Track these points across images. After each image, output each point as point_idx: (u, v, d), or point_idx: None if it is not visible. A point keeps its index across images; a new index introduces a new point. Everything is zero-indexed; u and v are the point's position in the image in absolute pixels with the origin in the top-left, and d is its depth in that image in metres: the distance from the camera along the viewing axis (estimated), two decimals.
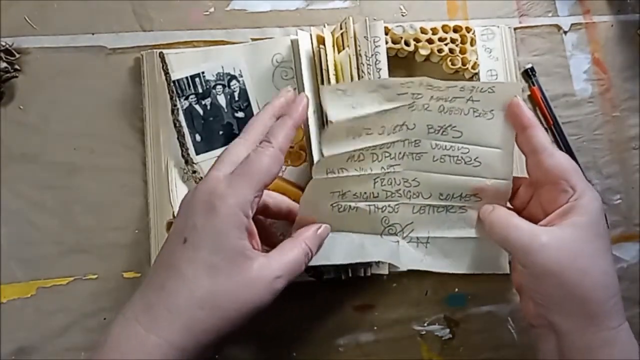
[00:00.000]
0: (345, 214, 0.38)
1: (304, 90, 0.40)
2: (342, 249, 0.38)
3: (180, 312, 0.29)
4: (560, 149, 0.46)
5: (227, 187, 0.31)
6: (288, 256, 0.32)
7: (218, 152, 0.42)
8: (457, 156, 0.38)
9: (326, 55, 0.40)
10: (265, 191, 0.35)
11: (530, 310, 0.35)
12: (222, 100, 0.43)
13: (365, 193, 0.38)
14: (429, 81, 0.37)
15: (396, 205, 0.39)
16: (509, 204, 0.39)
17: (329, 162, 0.37)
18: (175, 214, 0.33)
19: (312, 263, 0.37)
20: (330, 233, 0.38)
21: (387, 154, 0.38)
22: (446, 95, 0.37)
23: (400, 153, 0.38)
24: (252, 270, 0.30)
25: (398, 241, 0.39)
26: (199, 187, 0.32)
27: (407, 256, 0.39)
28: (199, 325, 0.29)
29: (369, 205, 0.38)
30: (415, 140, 0.38)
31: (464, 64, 0.45)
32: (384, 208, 0.38)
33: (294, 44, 0.42)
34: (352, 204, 0.38)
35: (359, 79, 0.40)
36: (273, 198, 0.37)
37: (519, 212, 0.38)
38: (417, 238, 0.39)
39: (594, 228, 0.33)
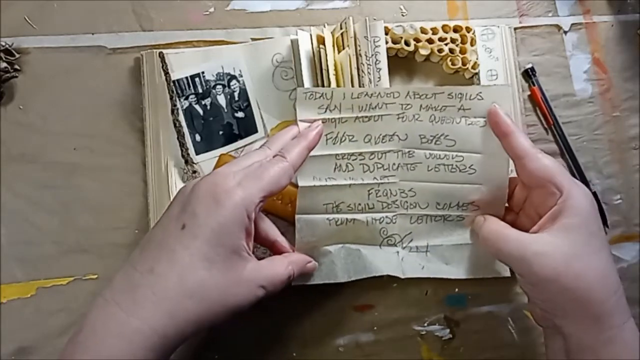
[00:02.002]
0: (342, 226, 0.38)
1: None
2: (344, 266, 0.38)
3: (167, 297, 0.28)
4: (561, 149, 0.46)
5: (236, 185, 0.31)
6: (275, 271, 0.33)
7: (218, 152, 0.42)
8: (452, 164, 0.38)
9: (326, 55, 0.40)
10: (260, 213, 0.35)
11: (537, 312, 0.35)
12: (222, 100, 0.43)
13: (360, 204, 0.38)
14: (415, 89, 0.38)
15: (394, 216, 0.39)
16: (506, 204, 0.39)
17: (314, 168, 0.37)
18: (171, 199, 0.33)
19: (317, 282, 0.38)
20: (329, 247, 0.38)
21: (379, 165, 0.38)
22: (436, 104, 0.38)
23: (394, 164, 0.38)
24: (244, 271, 0.31)
25: (398, 251, 0.39)
26: (206, 178, 0.32)
27: (408, 265, 0.39)
28: (183, 314, 0.29)
29: (366, 217, 0.38)
30: (409, 151, 0.38)
31: (464, 63, 0.45)
32: (382, 219, 0.39)
33: (294, 44, 0.42)
34: (349, 217, 0.38)
35: (359, 79, 0.40)
36: (266, 223, 0.37)
37: (516, 212, 0.39)
38: (417, 247, 0.40)
39: (586, 228, 0.32)
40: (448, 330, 0.42)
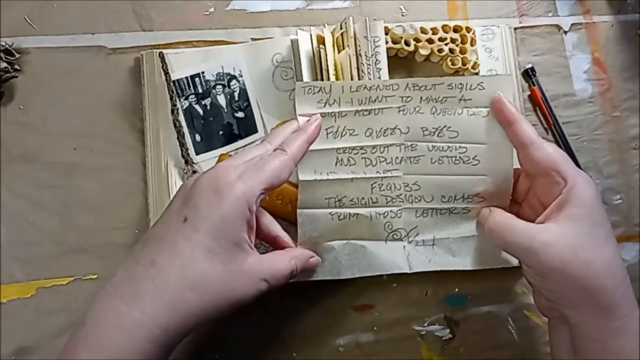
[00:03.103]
0: (345, 221, 0.38)
1: None
2: (348, 263, 0.38)
3: (168, 289, 0.28)
4: (561, 148, 0.46)
5: (237, 178, 0.31)
6: (278, 265, 0.33)
7: (218, 152, 0.42)
8: (455, 156, 0.38)
9: (326, 55, 0.40)
10: (260, 209, 0.35)
11: (543, 303, 0.35)
12: (222, 100, 0.43)
13: (363, 199, 0.38)
14: (414, 81, 0.37)
15: (399, 210, 0.39)
16: None
17: (314, 162, 0.37)
18: (172, 196, 0.33)
19: (321, 278, 0.38)
20: (332, 243, 0.38)
21: (382, 159, 0.38)
22: (436, 95, 0.38)
23: (397, 158, 0.38)
24: (245, 263, 0.31)
25: (404, 246, 0.39)
26: (207, 172, 0.32)
27: (414, 260, 0.39)
28: (184, 306, 0.29)
29: (370, 212, 0.38)
30: (412, 144, 0.38)
31: (464, 63, 0.45)
32: (386, 214, 0.39)
33: (294, 44, 0.42)
34: (352, 211, 0.38)
35: (359, 79, 0.40)
36: (267, 218, 0.37)
37: (519, 203, 0.39)
38: (423, 241, 0.39)
39: (592, 217, 0.32)
40: (448, 330, 0.42)
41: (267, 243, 0.37)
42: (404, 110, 0.38)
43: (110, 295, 0.29)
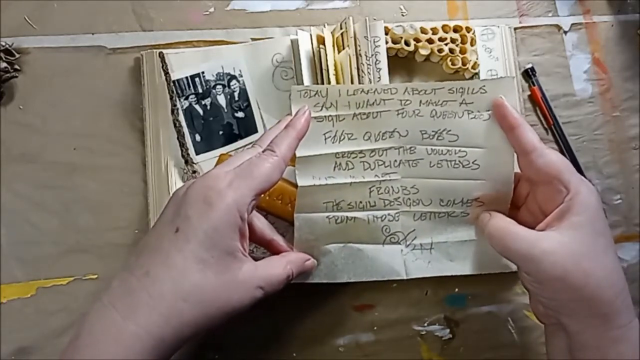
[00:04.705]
0: (343, 225, 0.38)
1: None
2: (344, 267, 0.38)
3: (163, 300, 0.28)
4: (561, 149, 0.46)
5: (227, 186, 0.31)
6: (273, 271, 0.33)
7: (218, 152, 0.42)
8: (455, 160, 0.38)
9: (326, 55, 0.40)
10: (255, 212, 0.35)
11: (540, 310, 0.35)
12: (222, 100, 0.43)
13: (361, 202, 0.38)
14: (414, 86, 0.37)
15: (396, 213, 0.38)
16: None
17: (313, 167, 0.37)
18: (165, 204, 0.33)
19: (317, 281, 0.38)
20: (329, 246, 0.38)
21: (380, 162, 0.38)
22: (436, 99, 0.37)
23: (395, 161, 0.38)
24: (239, 273, 0.31)
25: (402, 249, 0.39)
26: (198, 181, 0.32)
27: (412, 265, 0.39)
28: (178, 317, 0.28)
29: (368, 215, 0.38)
30: (410, 147, 0.38)
31: (464, 63, 0.45)
32: (384, 217, 0.38)
33: (294, 44, 0.42)
34: (350, 215, 0.38)
35: (359, 79, 0.40)
36: (261, 222, 0.36)
37: (517, 207, 0.39)
38: (421, 245, 0.39)
39: (593, 226, 0.32)
40: (448, 330, 0.42)
41: (261, 247, 0.37)
42: (402, 113, 0.37)
43: (105, 306, 0.29)
